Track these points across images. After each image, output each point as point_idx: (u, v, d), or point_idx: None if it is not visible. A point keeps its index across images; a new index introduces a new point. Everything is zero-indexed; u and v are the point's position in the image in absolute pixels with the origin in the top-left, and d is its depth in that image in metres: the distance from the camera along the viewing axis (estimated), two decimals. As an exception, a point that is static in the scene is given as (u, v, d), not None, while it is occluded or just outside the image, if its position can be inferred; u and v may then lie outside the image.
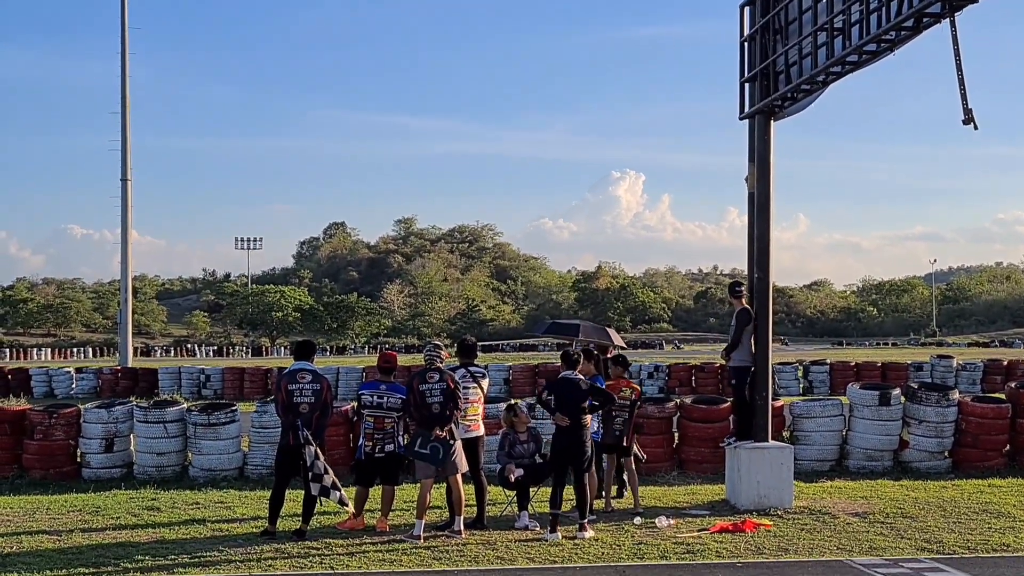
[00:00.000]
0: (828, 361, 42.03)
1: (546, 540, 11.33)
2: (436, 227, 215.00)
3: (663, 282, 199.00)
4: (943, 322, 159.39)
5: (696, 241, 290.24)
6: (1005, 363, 41.35)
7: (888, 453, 17.00)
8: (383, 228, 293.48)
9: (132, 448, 17.22)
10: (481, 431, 12.56)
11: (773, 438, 14.20)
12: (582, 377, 12.15)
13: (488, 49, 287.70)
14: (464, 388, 12.09)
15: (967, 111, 10.10)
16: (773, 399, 14.97)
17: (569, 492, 11.98)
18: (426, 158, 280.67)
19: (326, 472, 11.58)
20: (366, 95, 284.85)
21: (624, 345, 16.12)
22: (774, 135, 13.91)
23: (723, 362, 15.44)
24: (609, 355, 14.76)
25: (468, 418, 12.22)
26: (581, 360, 12.56)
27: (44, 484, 16.16)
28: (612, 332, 16.49)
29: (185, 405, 17.71)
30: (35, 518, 12.99)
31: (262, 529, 11.85)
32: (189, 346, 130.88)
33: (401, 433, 12.08)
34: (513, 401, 14.86)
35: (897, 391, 17.54)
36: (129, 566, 10.36)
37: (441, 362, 12.08)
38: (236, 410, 17.26)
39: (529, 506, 12.45)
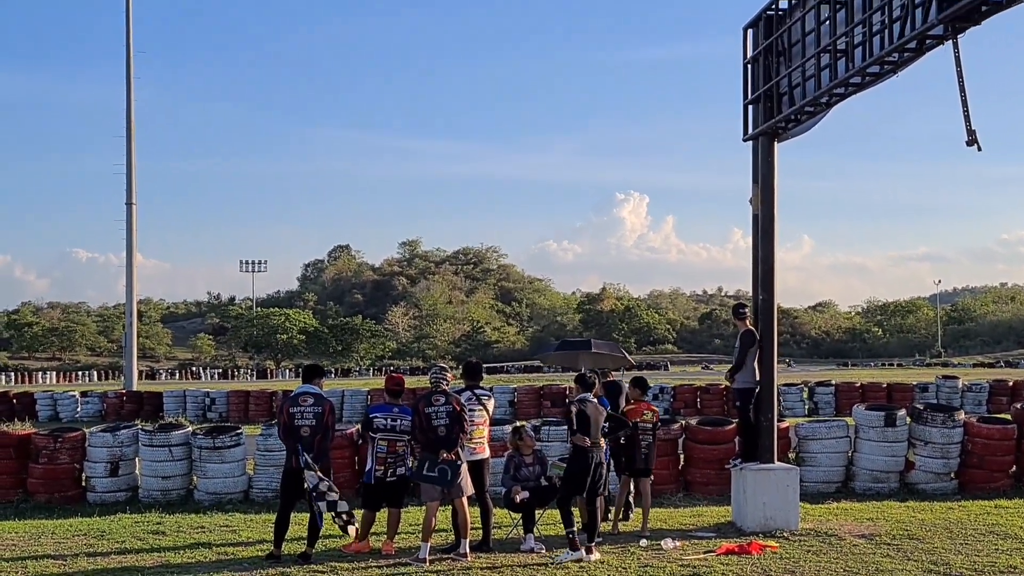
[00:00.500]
0: (833, 382, 41.95)
1: (561, 560, 11.29)
2: (441, 249, 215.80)
3: (668, 303, 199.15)
4: (948, 343, 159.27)
5: (700, 262, 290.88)
6: (1011, 383, 41.12)
7: (894, 474, 16.95)
8: (388, 250, 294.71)
9: (137, 472, 17.20)
10: (487, 454, 12.53)
11: (779, 460, 14.17)
12: (595, 400, 12.18)
13: (493, 71, 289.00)
14: (470, 411, 12.04)
15: (970, 132, 10.09)
16: (778, 420, 14.94)
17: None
18: (430, 180, 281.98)
19: (331, 490, 11.57)
20: (370, 117, 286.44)
21: (632, 362, 16.07)
22: (778, 156, 13.93)
23: (727, 383, 15.39)
24: (610, 379, 14.74)
25: (474, 440, 12.18)
26: (596, 383, 12.56)
27: (49, 508, 16.14)
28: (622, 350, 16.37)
29: (190, 428, 17.69)
30: (40, 542, 12.98)
31: (267, 553, 11.82)
32: (194, 369, 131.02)
33: (410, 456, 12.08)
34: (519, 423, 14.84)
35: (903, 412, 17.47)
36: (134, 590, 10.35)
37: (447, 384, 12.04)
38: (241, 433, 17.24)
39: (535, 528, 12.42)
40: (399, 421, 11.99)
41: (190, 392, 42.95)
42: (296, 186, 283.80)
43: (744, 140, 14.43)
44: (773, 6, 13.68)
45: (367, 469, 12.23)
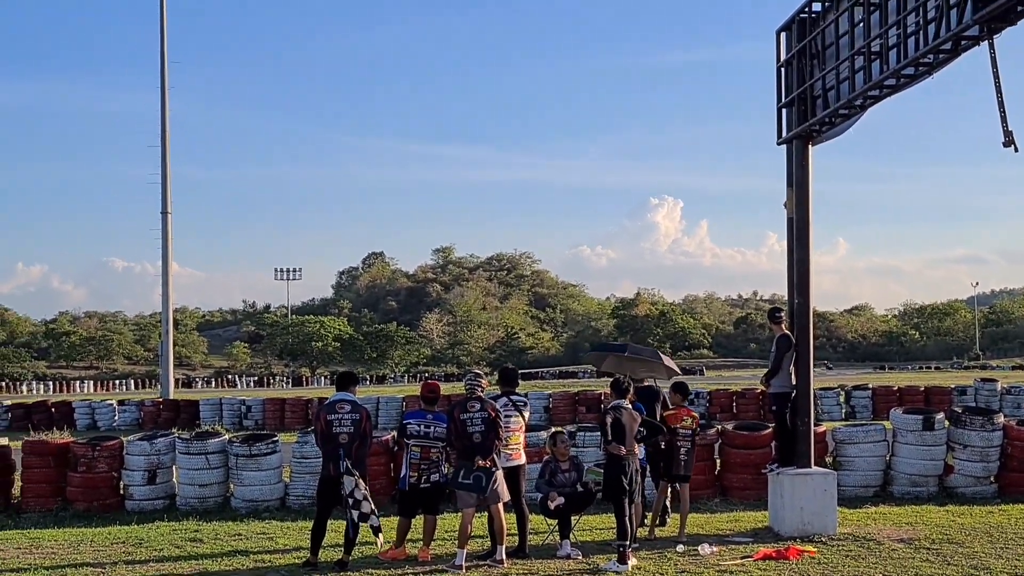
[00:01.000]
0: (870, 386, 41.76)
1: (605, 570, 11.25)
2: (474, 256, 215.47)
3: (702, 308, 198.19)
4: (986, 345, 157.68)
5: (735, 266, 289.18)
6: (1051, 386, 40.80)
7: (933, 478, 16.84)
8: (421, 257, 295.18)
9: (174, 480, 17.33)
10: (523, 460, 12.52)
11: (816, 464, 14.09)
12: (629, 407, 12.14)
13: (526, 76, 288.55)
14: (506, 417, 12.03)
15: (1007, 133, 10.02)
16: (815, 424, 14.86)
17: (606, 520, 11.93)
18: (463, 186, 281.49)
19: (365, 499, 11.58)
20: (403, 123, 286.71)
21: (677, 370, 15.92)
22: (812, 159, 13.87)
23: (763, 388, 15.32)
24: (645, 384, 14.64)
25: (510, 447, 12.17)
26: (631, 389, 12.52)
27: (88, 516, 16.29)
28: (665, 357, 16.08)
29: (227, 436, 17.82)
30: (79, 550, 13.07)
31: (304, 560, 11.86)
32: (230, 377, 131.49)
33: (444, 463, 12.09)
34: (556, 429, 14.82)
35: (941, 415, 17.36)
36: (173, 598, 10.41)
37: (482, 391, 12.04)
38: (277, 441, 17.33)
39: (571, 535, 12.40)
40: (432, 427, 12.00)
41: (226, 400, 43.23)
42: (330, 194, 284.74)
43: (778, 143, 14.37)
44: (806, 9, 13.62)
45: (401, 475, 12.24)
